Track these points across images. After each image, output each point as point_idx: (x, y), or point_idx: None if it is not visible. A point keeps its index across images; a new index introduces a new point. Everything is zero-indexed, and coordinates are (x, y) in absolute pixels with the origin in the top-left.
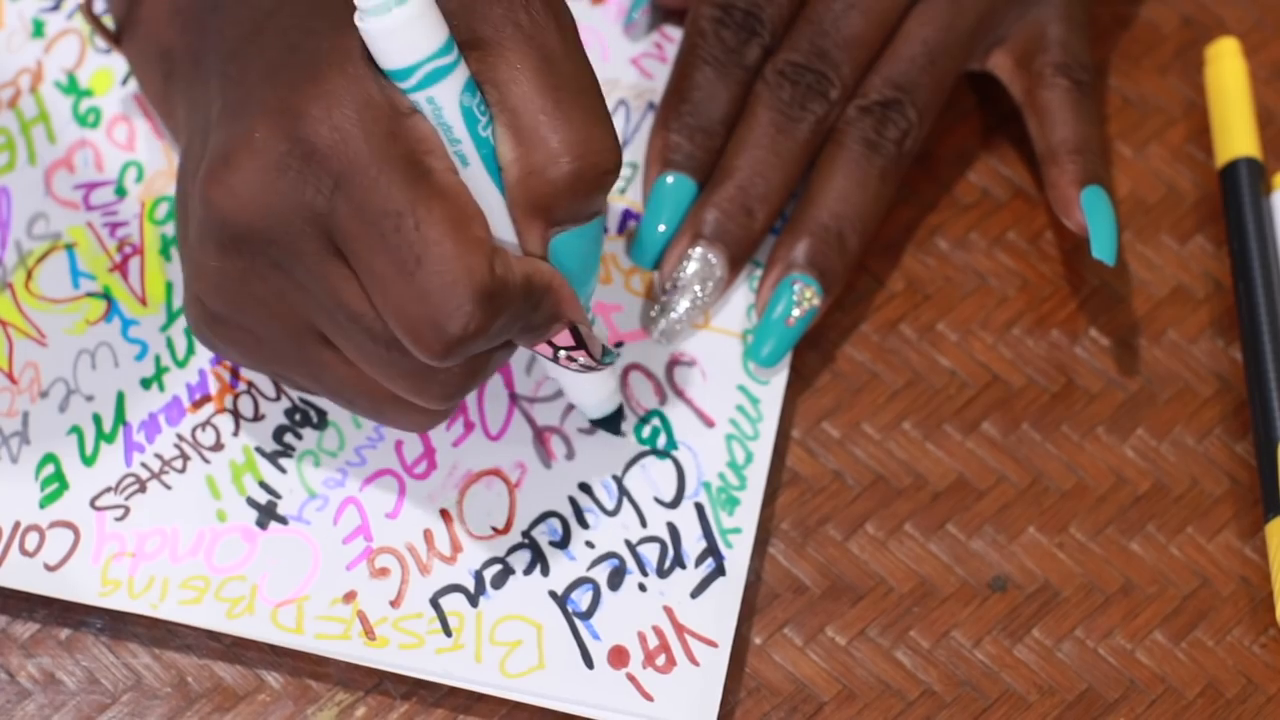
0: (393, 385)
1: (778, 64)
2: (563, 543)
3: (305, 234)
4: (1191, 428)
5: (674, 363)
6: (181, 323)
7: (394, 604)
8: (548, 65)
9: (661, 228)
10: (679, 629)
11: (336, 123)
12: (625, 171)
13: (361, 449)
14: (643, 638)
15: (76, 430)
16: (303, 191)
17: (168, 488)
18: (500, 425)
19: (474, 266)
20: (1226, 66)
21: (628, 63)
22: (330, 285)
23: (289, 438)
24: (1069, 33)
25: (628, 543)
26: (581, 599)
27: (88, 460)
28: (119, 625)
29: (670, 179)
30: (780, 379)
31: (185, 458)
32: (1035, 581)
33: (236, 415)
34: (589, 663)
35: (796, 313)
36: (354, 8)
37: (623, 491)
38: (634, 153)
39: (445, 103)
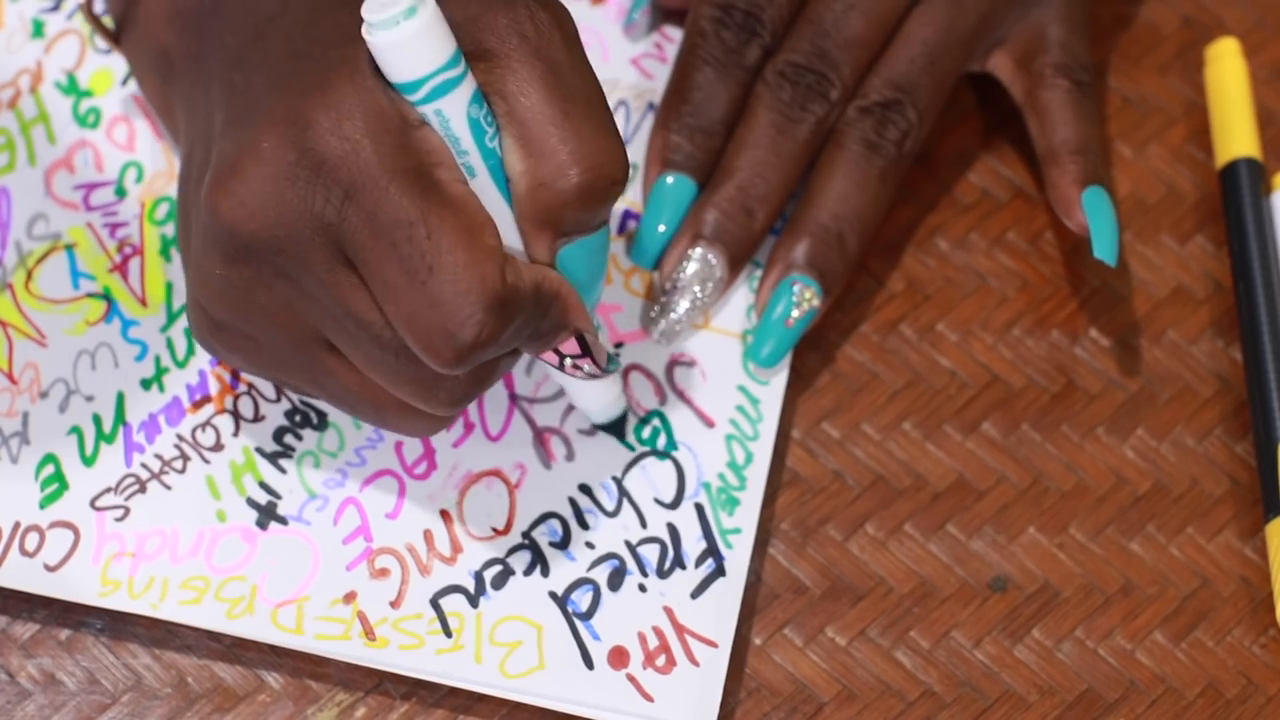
0: (399, 392)
1: (778, 64)
2: (563, 543)
3: (314, 243)
4: (1191, 428)
5: (674, 363)
6: (182, 323)
7: (394, 604)
8: (554, 76)
9: (661, 228)
10: (679, 629)
11: (347, 133)
12: None
13: (361, 449)
14: (643, 638)
15: (76, 431)
16: (312, 201)
17: (168, 488)
18: (500, 426)
19: (486, 274)
20: (1226, 67)
21: (628, 63)
22: (338, 294)
23: (289, 438)
24: (1069, 33)
25: (628, 543)
26: (582, 600)
27: (88, 461)
28: (119, 626)
29: (670, 179)
30: (780, 379)
31: (185, 458)
32: (1035, 582)
33: (236, 416)
34: (589, 663)
35: (796, 313)
36: (358, 15)
37: (623, 492)
38: (634, 153)
39: (453, 115)
